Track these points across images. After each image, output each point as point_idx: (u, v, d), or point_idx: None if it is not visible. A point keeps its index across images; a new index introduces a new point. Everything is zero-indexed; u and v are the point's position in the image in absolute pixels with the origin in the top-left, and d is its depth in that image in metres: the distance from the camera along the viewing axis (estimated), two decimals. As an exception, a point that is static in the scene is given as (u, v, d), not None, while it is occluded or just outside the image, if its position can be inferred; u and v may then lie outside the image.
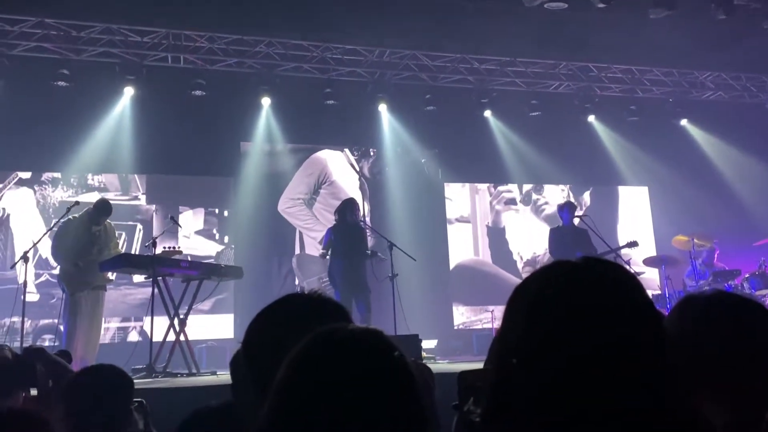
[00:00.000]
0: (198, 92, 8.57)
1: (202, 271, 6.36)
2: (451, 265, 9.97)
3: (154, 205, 9.11)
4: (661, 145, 10.32)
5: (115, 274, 6.52)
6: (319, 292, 1.31)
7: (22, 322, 6.05)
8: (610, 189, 10.89)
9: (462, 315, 9.85)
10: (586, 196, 10.75)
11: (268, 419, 0.88)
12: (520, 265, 10.25)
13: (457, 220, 10.28)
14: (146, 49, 8.43)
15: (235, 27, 8.34)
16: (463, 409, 1.19)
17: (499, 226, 10.42)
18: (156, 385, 4.85)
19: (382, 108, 9.61)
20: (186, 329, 6.19)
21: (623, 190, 10.92)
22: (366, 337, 0.92)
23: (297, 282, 9.35)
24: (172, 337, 6.15)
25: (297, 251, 9.50)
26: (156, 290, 6.02)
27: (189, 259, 8.09)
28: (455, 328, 9.69)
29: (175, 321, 6.12)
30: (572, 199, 9.95)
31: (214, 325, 8.52)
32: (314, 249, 9.30)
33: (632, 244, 7.31)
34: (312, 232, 9.56)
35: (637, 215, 10.85)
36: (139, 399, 2.22)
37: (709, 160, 10.62)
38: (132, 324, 8.62)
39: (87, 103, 8.45)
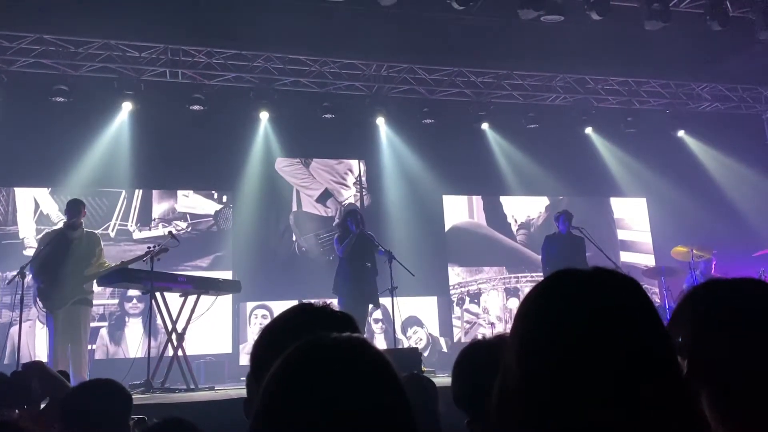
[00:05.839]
0: (196, 107, 8.58)
1: (199, 286, 6.32)
2: (447, 227, 10.17)
3: None
4: (658, 156, 10.34)
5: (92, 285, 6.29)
6: (329, 305, 1.29)
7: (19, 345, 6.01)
8: (608, 200, 10.91)
9: (457, 275, 10.06)
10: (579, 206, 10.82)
11: (252, 428, 0.86)
12: (514, 228, 10.45)
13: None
14: (144, 64, 8.46)
15: (233, 42, 8.37)
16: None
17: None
18: (154, 401, 4.80)
19: (380, 121, 9.64)
20: (183, 344, 6.15)
21: (621, 202, 10.94)
22: (349, 345, 0.89)
23: (294, 238, 9.56)
24: (170, 351, 6.11)
25: (294, 208, 9.68)
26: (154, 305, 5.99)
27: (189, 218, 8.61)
28: (453, 341, 9.68)
29: (173, 336, 6.08)
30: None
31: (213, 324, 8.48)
32: (311, 206, 9.73)
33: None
34: (308, 190, 9.80)
35: (635, 227, 10.86)
36: (141, 416, 2.18)
37: (707, 171, 10.65)
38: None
39: (85, 119, 8.48)
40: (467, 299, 10.01)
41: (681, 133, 10.57)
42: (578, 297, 0.90)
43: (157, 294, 6.06)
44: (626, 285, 0.93)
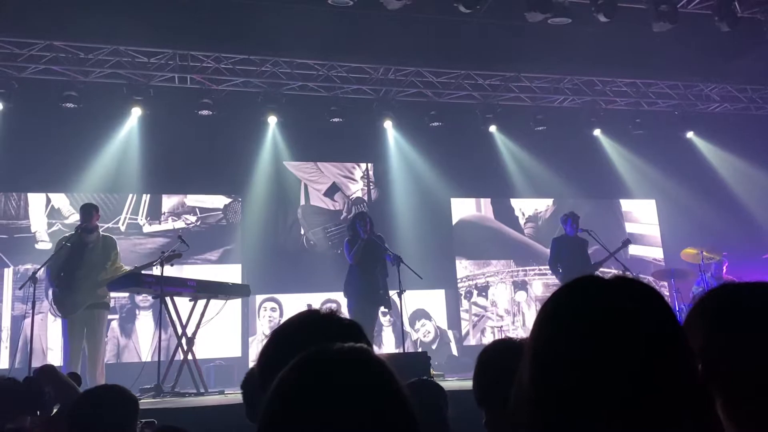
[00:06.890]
0: (205, 112, 8.63)
1: (208, 290, 6.33)
2: (454, 221, 10.21)
3: None
4: (667, 158, 10.30)
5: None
6: (336, 312, 1.30)
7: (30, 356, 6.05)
8: (617, 202, 10.87)
9: (465, 269, 10.10)
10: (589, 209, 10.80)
11: None
12: (522, 221, 10.49)
13: None
14: (153, 70, 8.50)
15: (241, 47, 8.41)
16: None
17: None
18: (164, 405, 4.83)
19: (388, 125, 9.66)
20: (193, 348, 6.17)
21: (630, 203, 10.90)
22: (351, 357, 0.91)
23: (302, 232, 9.66)
24: (180, 356, 6.13)
25: (302, 202, 9.77)
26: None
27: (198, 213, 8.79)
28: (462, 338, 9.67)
29: (183, 340, 6.10)
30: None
31: (224, 314, 8.49)
32: (318, 200, 9.84)
33: (626, 242, 7.71)
34: (316, 184, 9.90)
35: (644, 228, 10.82)
36: (150, 419, 2.20)
37: (716, 172, 10.59)
38: None
39: (95, 124, 8.54)
40: (475, 292, 10.06)
41: (690, 135, 10.53)
42: (596, 304, 0.90)
43: (167, 298, 6.08)
44: (644, 293, 0.93)
